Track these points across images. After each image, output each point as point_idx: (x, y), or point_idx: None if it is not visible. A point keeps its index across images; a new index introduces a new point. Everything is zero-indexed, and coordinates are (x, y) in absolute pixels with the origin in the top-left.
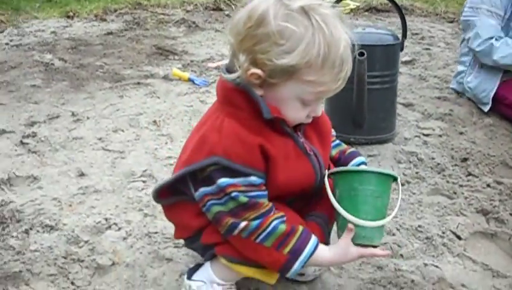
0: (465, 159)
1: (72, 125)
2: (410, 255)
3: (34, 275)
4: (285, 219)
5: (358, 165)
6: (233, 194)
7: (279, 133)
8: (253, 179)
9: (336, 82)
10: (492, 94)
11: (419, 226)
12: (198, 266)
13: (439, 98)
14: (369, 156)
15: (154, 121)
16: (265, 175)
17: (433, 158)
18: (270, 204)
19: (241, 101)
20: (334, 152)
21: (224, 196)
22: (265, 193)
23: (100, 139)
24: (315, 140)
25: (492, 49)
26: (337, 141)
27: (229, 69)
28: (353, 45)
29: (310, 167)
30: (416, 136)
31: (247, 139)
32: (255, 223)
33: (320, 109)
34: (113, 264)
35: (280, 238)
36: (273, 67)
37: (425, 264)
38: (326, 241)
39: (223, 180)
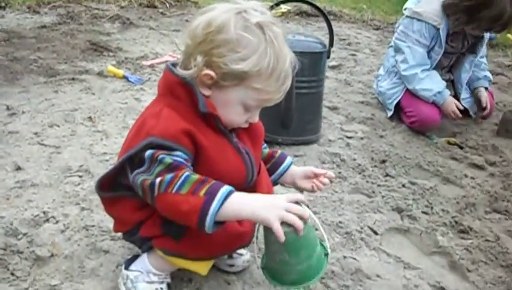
0: (383, 161)
1: (7, 119)
2: (331, 248)
3: None
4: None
5: (288, 166)
6: (160, 156)
7: (214, 129)
8: (179, 153)
9: (278, 93)
10: (395, 102)
11: (340, 222)
12: (135, 257)
13: (362, 102)
14: (296, 156)
15: (90, 117)
16: (192, 156)
17: (354, 159)
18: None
19: (182, 93)
20: (265, 152)
21: (153, 165)
22: (189, 164)
23: (36, 133)
24: (247, 142)
25: (416, 78)
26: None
27: (177, 67)
28: (294, 66)
29: (241, 164)
30: (340, 138)
31: (180, 124)
32: (169, 175)
33: (257, 117)
34: (52, 255)
35: (194, 185)
36: (226, 71)
37: (345, 257)
38: (252, 227)
39: (148, 152)
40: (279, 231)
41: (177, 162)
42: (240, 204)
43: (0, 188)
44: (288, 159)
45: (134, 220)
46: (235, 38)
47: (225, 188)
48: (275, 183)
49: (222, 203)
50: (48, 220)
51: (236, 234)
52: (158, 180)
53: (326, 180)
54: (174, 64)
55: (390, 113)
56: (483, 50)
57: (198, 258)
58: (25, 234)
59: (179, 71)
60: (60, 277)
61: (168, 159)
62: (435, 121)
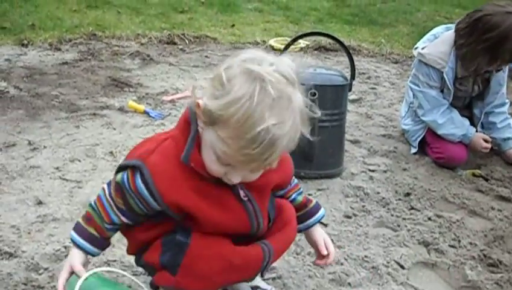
0: (408, 194)
1: (29, 154)
2: (357, 283)
3: None
4: (98, 227)
5: (319, 219)
6: (124, 177)
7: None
8: (153, 203)
9: (239, 154)
10: (419, 140)
11: (365, 256)
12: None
13: (384, 135)
14: (319, 189)
15: (111, 152)
16: (170, 213)
17: (378, 193)
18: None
19: (185, 130)
20: (299, 199)
21: (124, 172)
22: (142, 211)
23: (57, 168)
24: (252, 189)
25: (436, 124)
26: (300, 190)
27: None
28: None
29: (243, 214)
30: (362, 171)
31: (176, 176)
32: (102, 196)
33: (237, 178)
34: None
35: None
36: (203, 107)
37: None
38: (262, 265)
39: (122, 176)
40: None
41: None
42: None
43: (22, 222)
44: (321, 212)
45: (141, 239)
46: (225, 76)
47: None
48: (299, 231)
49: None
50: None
51: (238, 266)
52: (105, 195)
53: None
54: None
55: (414, 150)
56: (502, 93)
57: None
58: (46, 269)
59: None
60: None
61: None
62: (462, 158)
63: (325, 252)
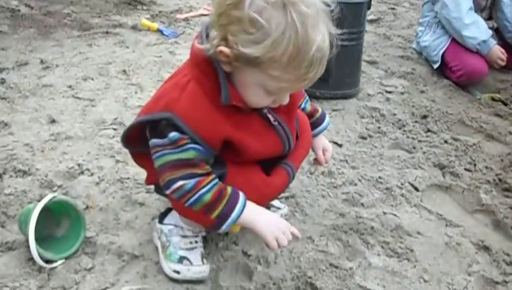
0: (424, 116)
1: (42, 73)
2: (371, 204)
3: (9, 217)
4: (215, 185)
5: (324, 128)
6: (186, 146)
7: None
8: (200, 148)
9: (300, 81)
10: (441, 52)
11: (379, 177)
12: (168, 211)
13: (402, 57)
14: (334, 110)
15: (124, 71)
16: (214, 152)
17: (394, 114)
18: (209, 168)
19: (207, 70)
20: (307, 108)
21: (175, 147)
22: (211, 155)
23: (70, 87)
24: (281, 111)
25: (461, 23)
26: (307, 98)
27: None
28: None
29: (276, 138)
30: (379, 92)
31: (211, 116)
32: (187, 187)
33: (287, 99)
34: (87, 207)
35: (206, 206)
36: (238, 52)
37: (384, 213)
38: (286, 188)
39: (174, 134)
40: (274, 248)
41: (199, 159)
42: (247, 221)
43: (35, 140)
44: (326, 122)
45: None
46: (248, 18)
47: (236, 212)
48: None
49: (232, 224)
50: (82, 172)
51: (267, 195)
52: (176, 186)
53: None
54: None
55: (437, 65)
56: None
57: None
58: (60, 186)
59: (199, 45)
60: (95, 229)
61: (192, 153)
62: (483, 73)
63: (323, 163)
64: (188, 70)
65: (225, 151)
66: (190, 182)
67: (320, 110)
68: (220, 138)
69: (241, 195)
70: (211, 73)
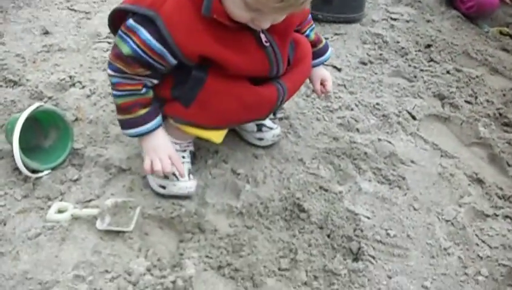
0: (428, 46)
1: None
2: (366, 130)
3: None
4: (130, 95)
5: (325, 60)
6: (128, 40)
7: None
8: (170, 58)
9: (275, 1)
10: None
11: (377, 104)
12: None
13: None
14: (336, 34)
15: None
16: (188, 62)
17: (397, 42)
18: (139, 75)
19: None
20: (311, 36)
21: (125, 34)
22: (162, 71)
23: None
24: (275, 32)
25: None
26: (313, 26)
27: None
28: None
29: (264, 59)
30: (384, 19)
31: (192, 25)
32: (112, 80)
33: (266, 25)
34: (77, 119)
35: (116, 106)
36: None
37: (379, 139)
38: (275, 104)
39: (135, 25)
40: (145, 168)
41: (132, 59)
42: (142, 143)
43: (27, 51)
44: (327, 54)
45: None
46: None
47: (133, 131)
48: None
49: (127, 135)
50: (74, 84)
51: (252, 105)
52: (109, 72)
53: (327, 89)
54: None
55: None
56: None
57: (208, 126)
58: (50, 98)
59: None
60: (83, 141)
61: (127, 49)
62: (494, 5)
63: (319, 94)
64: None
65: (209, 63)
66: (114, 78)
67: (323, 41)
68: (196, 50)
69: (150, 124)
70: None
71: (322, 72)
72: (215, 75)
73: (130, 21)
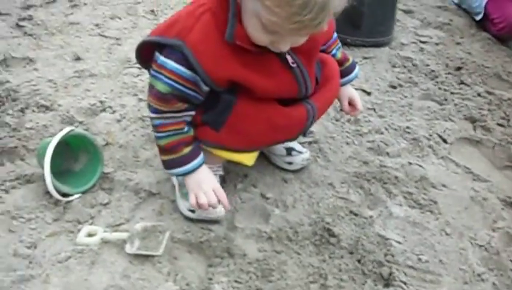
0: (459, 68)
1: (69, 10)
2: (396, 153)
3: (29, 151)
4: (175, 135)
5: (353, 78)
6: (163, 78)
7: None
8: (202, 85)
9: (289, 22)
10: (484, 2)
11: (407, 127)
12: None
13: (439, 7)
14: (365, 58)
15: (152, 10)
16: (217, 88)
17: (427, 65)
18: (185, 118)
19: (224, 5)
20: (338, 56)
21: (156, 72)
22: (198, 100)
23: (97, 25)
24: (301, 53)
25: None
26: (339, 45)
27: None
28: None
29: (292, 80)
30: (413, 42)
31: (219, 51)
32: (154, 122)
33: (285, 47)
34: (107, 144)
35: (160, 148)
36: None
37: (410, 163)
38: (305, 125)
39: (164, 60)
40: (191, 202)
41: (172, 96)
42: (186, 181)
43: (59, 77)
44: (355, 72)
45: None
46: None
47: (178, 170)
48: None
49: (173, 175)
50: (104, 109)
51: (282, 126)
52: (150, 114)
53: (357, 108)
54: None
55: (480, 17)
56: None
57: (239, 149)
58: (81, 122)
59: None
60: (113, 165)
61: (163, 87)
62: None
63: (347, 113)
64: (206, 0)
65: (238, 87)
66: (156, 119)
67: (350, 60)
68: (224, 75)
69: (195, 162)
70: (225, 7)
71: (350, 91)
72: (244, 98)
73: (161, 58)
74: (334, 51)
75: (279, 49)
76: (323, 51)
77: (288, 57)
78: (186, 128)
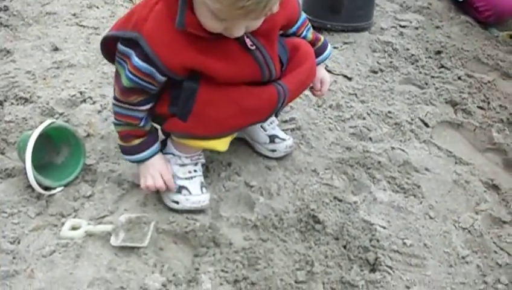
0: (438, 52)
1: (45, 0)
2: (379, 138)
3: (9, 144)
4: (126, 125)
5: (325, 58)
6: (126, 72)
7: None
8: (158, 76)
9: (234, 8)
10: None
11: (389, 112)
12: (166, 140)
13: None
14: (345, 43)
15: None
16: (176, 76)
17: (407, 49)
18: (138, 113)
19: None
20: (309, 36)
21: (121, 60)
22: (153, 90)
23: (74, 15)
24: (260, 35)
25: None
26: (309, 25)
27: None
28: None
29: (253, 63)
30: (392, 26)
31: (173, 39)
32: (114, 108)
33: (238, 33)
34: (88, 135)
35: (118, 134)
36: None
37: (393, 148)
38: (276, 106)
39: (126, 50)
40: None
41: (130, 89)
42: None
43: (37, 68)
44: (327, 52)
45: None
46: None
47: (130, 157)
48: None
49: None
50: (84, 100)
51: (251, 108)
52: (112, 101)
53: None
54: None
55: None
56: None
57: (210, 136)
58: (61, 114)
59: None
60: (95, 157)
61: (126, 81)
62: None
63: (316, 93)
64: None
65: (200, 75)
66: (115, 106)
67: (322, 39)
68: (181, 63)
69: (145, 153)
70: None
71: (323, 73)
72: (207, 84)
73: (120, 46)
74: (304, 33)
75: (233, 35)
76: (293, 34)
77: (247, 40)
78: (141, 124)
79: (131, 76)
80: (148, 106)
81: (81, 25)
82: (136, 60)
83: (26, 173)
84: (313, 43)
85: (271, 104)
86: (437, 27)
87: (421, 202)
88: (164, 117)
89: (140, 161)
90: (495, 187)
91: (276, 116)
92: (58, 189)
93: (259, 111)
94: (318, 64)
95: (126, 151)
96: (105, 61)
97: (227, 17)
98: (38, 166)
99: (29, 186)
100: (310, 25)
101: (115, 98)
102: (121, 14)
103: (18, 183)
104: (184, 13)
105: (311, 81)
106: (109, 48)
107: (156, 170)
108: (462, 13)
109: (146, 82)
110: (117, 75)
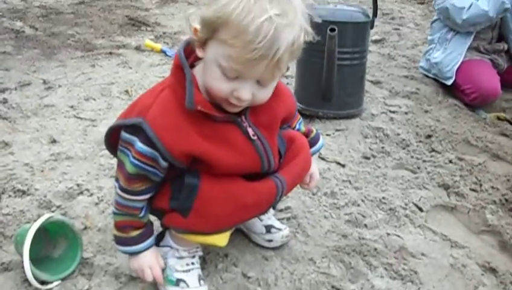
0: (429, 136)
1: (44, 93)
2: (374, 225)
3: (6, 237)
4: (126, 215)
5: (317, 150)
6: (130, 159)
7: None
8: (161, 161)
9: (246, 51)
10: (455, 68)
11: (383, 198)
12: (164, 232)
13: (406, 76)
14: (337, 130)
15: (126, 91)
16: (179, 164)
17: (398, 134)
18: (137, 203)
19: (181, 78)
20: (302, 129)
21: (124, 148)
22: (158, 177)
23: (72, 107)
24: (262, 126)
25: (485, 14)
26: (301, 119)
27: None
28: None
29: (254, 154)
30: (383, 112)
31: (178, 123)
32: (118, 199)
33: (245, 92)
34: (86, 228)
35: (115, 224)
36: (201, 20)
37: (388, 234)
38: (275, 200)
39: (129, 137)
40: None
41: (135, 176)
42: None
43: (35, 160)
44: (319, 144)
45: None
46: None
47: (124, 249)
48: None
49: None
50: (81, 192)
51: (251, 204)
52: (114, 190)
53: (311, 186)
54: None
55: (451, 81)
56: None
57: (209, 232)
58: (58, 207)
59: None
60: (92, 250)
61: (131, 167)
62: (496, 92)
63: (304, 186)
64: (166, 80)
65: (199, 164)
66: (118, 197)
67: (314, 131)
68: (184, 149)
69: (140, 246)
70: (181, 77)
71: (314, 169)
72: (208, 179)
73: (124, 134)
74: (297, 126)
75: (241, 100)
76: (288, 127)
77: (249, 130)
78: (141, 214)
79: (136, 162)
80: (149, 195)
81: (79, 117)
82: (140, 146)
83: (23, 267)
84: (306, 135)
85: (270, 199)
86: (426, 111)
87: (419, 288)
88: (164, 211)
89: (134, 253)
90: (492, 270)
91: (274, 208)
92: (55, 283)
93: (258, 206)
94: (313, 154)
95: (122, 242)
96: (102, 153)
97: (238, 66)
98: (35, 259)
99: (26, 280)
100: (301, 118)
101: (121, 188)
102: (117, 106)
103: (15, 277)
104: (193, 92)
105: (306, 172)
106: (113, 139)
107: (146, 265)
108: (449, 97)
109: (151, 167)
110: (120, 165)
